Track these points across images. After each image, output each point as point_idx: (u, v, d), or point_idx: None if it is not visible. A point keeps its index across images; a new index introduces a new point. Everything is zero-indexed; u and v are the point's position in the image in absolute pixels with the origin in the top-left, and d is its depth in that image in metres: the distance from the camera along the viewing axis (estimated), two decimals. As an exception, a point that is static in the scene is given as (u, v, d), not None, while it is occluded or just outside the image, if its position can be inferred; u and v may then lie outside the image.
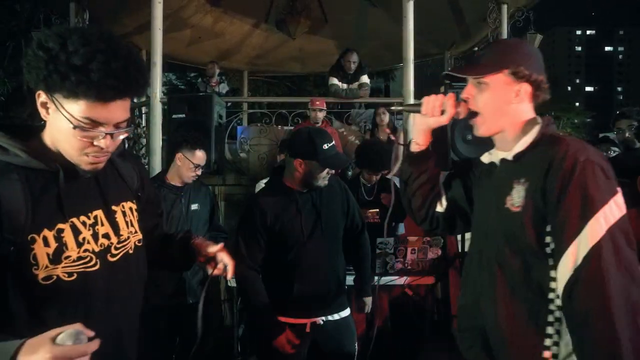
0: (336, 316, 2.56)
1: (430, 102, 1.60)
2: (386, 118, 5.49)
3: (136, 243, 1.43)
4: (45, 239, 1.21)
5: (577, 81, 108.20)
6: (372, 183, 4.10)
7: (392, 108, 1.81)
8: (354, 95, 6.12)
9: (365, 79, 6.20)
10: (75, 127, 1.18)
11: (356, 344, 2.66)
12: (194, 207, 3.31)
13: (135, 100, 7.07)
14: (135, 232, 1.44)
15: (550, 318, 1.35)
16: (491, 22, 7.05)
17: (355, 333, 2.69)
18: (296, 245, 2.43)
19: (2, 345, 1.01)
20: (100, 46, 1.16)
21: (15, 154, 1.21)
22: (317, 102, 5.27)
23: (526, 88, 1.47)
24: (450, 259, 3.90)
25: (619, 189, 1.31)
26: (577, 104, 65.52)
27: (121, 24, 7.75)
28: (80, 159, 1.25)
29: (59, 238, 1.23)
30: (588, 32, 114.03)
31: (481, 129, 1.53)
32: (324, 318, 2.52)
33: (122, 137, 1.29)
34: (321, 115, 5.26)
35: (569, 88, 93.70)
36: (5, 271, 1.17)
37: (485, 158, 1.60)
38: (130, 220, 1.42)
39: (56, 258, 1.22)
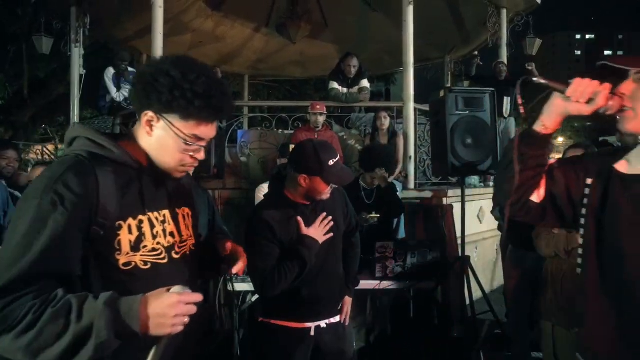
0: (338, 318, 2.59)
1: (582, 85, 1.41)
2: (387, 122, 5.50)
3: (191, 246, 1.55)
4: (129, 227, 1.34)
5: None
6: (372, 187, 4.10)
7: (535, 79, 1.54)
8: (354, 100, 6.14)
9: (365, 83, 6.21)
10: (185, 143, 1.37)
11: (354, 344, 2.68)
12: None
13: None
14: (191, 236, 1.56)
15: None
16: (491, 27, 7.09)
17: (353, 334, 2.70)
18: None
19: (126, 299, 1.20)
20: (211, 76, 1.38)
21: (110, 150, 1.37)
22: (318, 107, 5.28)
23: None
24: (451, 263, 3.90)
25: None
26: (577, 108, 65.46)
27: (122, 28, 7.79)
28: (177, 169, 1.44)
29: (139, 228, 1.36)
30: (587, 36, 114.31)
31: (629, 125, 1.41)
32: (327, 321, 2.54)
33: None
34: (321, 119, 5.27)
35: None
36: (92, 254, 1.29)
37: (624, 168, 1.46)
38: (188, 225, 1.55)
39: (136, 246, 1.35)
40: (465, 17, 7.66)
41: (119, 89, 6.58)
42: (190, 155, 1.40)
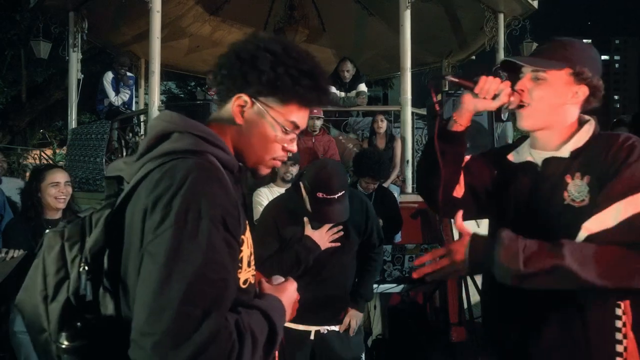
0: (338, 327, 2.56)
1: (487, 83, 1.50)
2: (384, 125, 5.50)
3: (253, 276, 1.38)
4: (246, 242, 1.16)
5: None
6: (370, 191, 4.10)
7: (447, 77, 1.64)
8: (352, 104, 6.15)
9: (362, 87, 6.22)
10: (284, 131, 1.17)
11: (363, 356, 2.64)
12: None
13: (133, 109, 7.10)
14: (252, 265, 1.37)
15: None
16: (488, 31, 7.11)
17: (361, 346, 2.66)
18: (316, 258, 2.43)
19: (269, 300, 1.18)
20: (313, 56, 1.20)
21: (230, 154, 1.16)
22: (315, 111, 5.27)
23: (584, 91, 1.46)
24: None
25: None
26: (575, 112, 65.62)
27: (120, 33, 7.80)
28: (267, 162, 1.22)
29: (248, 242, 1.19)
30: (584, 41, 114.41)
31: (527, 121, 1.50)
32: (328, 327, 2.52)
33: None
34: (319, 123, 5.27)
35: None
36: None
37: (515, 157, 1.57)
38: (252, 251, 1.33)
39: (249, 261, 1.19)
40: (462, 22, 7.69)
41: (117, 93, 6.59)
42: (284, 147, 1.20)
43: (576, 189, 1.40)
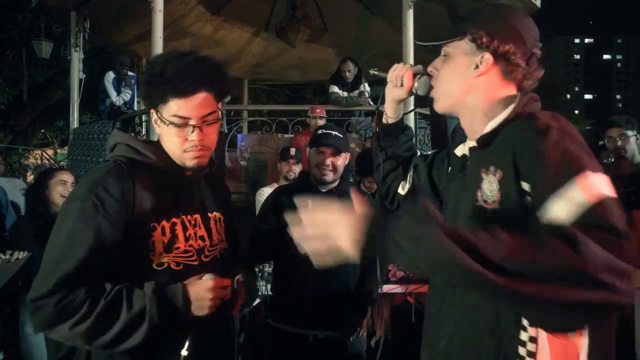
0: (339, 333, 2.49)
1: (396, 70, 1.46)
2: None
3: (221, 250, 1.58)
4: (163, 229, 1.40)
5: (576, 89, 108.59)
6: (373, 191, 4.08)
7: (370, 71, 1.64)
8: (354, 103, 6.14)
9: (365, 87, 6.21)
10: (168, 124, 1.40)
11: None
12: None
13: (135, 109, 7.09)
14: (222, 240, 1.59)
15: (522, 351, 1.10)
16: (490, 30, 7.08)
17: (362, 355, 2.61)
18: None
19: (169, 287, 1.34)
20: (173, 55, 1.40)
21: (147, 155, 1.45)
22: (317, 110, 5.27)
23: (487, 58, 1.20)
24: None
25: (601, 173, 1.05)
26: (577, 111, 65.73)
27: (122, 32, 7.78)
28: (183, 156, 1.45)
29: (172, 230, 1.42)
30: (586, 40, 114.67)
31: (436, 103, 1.33)
32: (327, 333, 2.47)
33: (213, 131, 1.46)
34: (321, 122, 5.26)
35: (568, 96, 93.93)
36: (130, 254, 1.36)
37: (459, 150, 1.36)
38: (219, 229, 1.58)
39: (169, 247, 1.41)
40: (465, 21, 7.66)
41: (119, 93, 6.58)
42: (186, 139, 1.41)
43: (488, 187, 1.16)
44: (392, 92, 1.52)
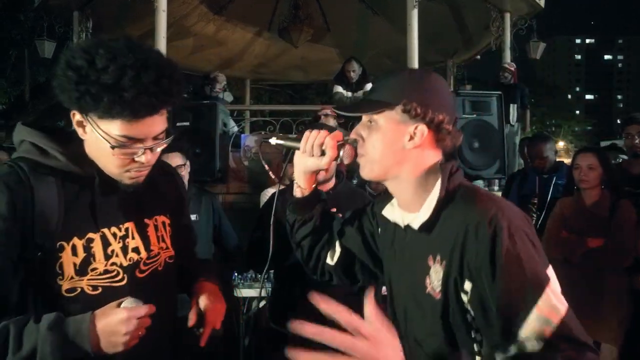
0: None
1: (310, 139, 1.29)
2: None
3: (167, 259, 1.36)
4: (74, 248, 1.17)
5: (577, 89, 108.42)
6: (378, 191, 4.06)
7: (270, 141, 1.40)
8: (358, 104, 6.10)
9: (369, 87, 6.18)
10: (113, 147, 1.14)
11: None
12: (193, 217, 3.22)
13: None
14: (167, 247, 1.37)
15: None
16: (494, 31, 7.06)
17: None
18: None
19: (73, 319, 1.10)
20: (129, 60, 1.10)
21: (55, 157, 1.19)
22: (328, 109, 5.24)
23: (422, 129, 1.16)
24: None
25: (549, 265, 1.06)
26: (578, 112, 65.69)
27: (124, 32, 7.76)
28: (122, 176, 1.22)
29: (87, 248, 1.20)
30: (588, 40, 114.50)
31: (363, 171, 1.23)
32: None
33: (160, 148, 1.23)
34: (333, 122, 5.21)
35: (569, 96, 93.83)
36: (28, 278, 1.13)
37: (388, 212, 1.29)
38: (162, 235, 1.36)
39: (82, 269, 1.18)
40: (468, 21, 7.64)
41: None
42: (133, 160, 1.18)
43: (436, 276, 1.11)
44: (306, 162, 1.32)
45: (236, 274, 3.34)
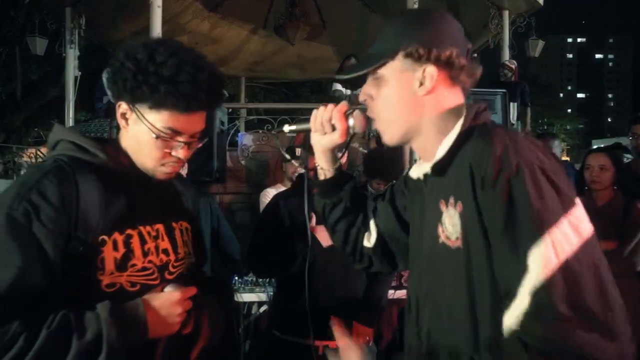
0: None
1: (318, 117, 1.27)
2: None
3: (189, 265, 1.38)
4: (115, 243, 1.19)
5: (569, 88, 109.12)
6: (380, 191, 3.98)
7: (284, 128, 1.40)
8: (358, 101, 6.02)
9: (369, 85, 6.10)
10: (157, 137, 1.20)
11: None
12: None
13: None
14: (190, 253, 1.39)
15: None
16: (493, 28, 7.02)
17: None
18: (310, 255, 2.30)
19: (128, 305, 1.13)
20: (187, 57, 1.18)
21: (95, 154, 1.23)
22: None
23: (431, 71, 1.06)
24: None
25: (577, 200, 0.94)
26: (570, 110, 66.07)
27: (118, 29, 7.64)
28: (157, 170, 1.26)
29: (127, 244, 1.21)
30: (579, 39, 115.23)
31: (384, 135, 1.16)
32: (336, 343, 2.35)
33: (196, 147, 1.29)
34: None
35: (561, 95, 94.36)
36: (70, 272, 1.12)
37: (414, 171, 1.20)
38: (187, 241, 1.38)
39: (123, 264, 1.19)
40: (466, 19, 7.57)
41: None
42: (170, 153, 1.23)
43: (450, 221, 1.02)
44: (322, 141, 1.29)
45: (236, 277, 3.26)
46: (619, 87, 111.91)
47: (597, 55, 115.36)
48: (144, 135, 1.21)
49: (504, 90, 3.97)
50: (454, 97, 1.10)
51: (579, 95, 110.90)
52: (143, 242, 1.24)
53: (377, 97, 1.12)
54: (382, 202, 1.36)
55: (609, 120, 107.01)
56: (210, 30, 8.72)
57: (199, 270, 1.46)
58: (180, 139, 1.22)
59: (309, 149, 1.36)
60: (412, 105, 1.09)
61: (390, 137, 1.15)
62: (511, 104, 6.68)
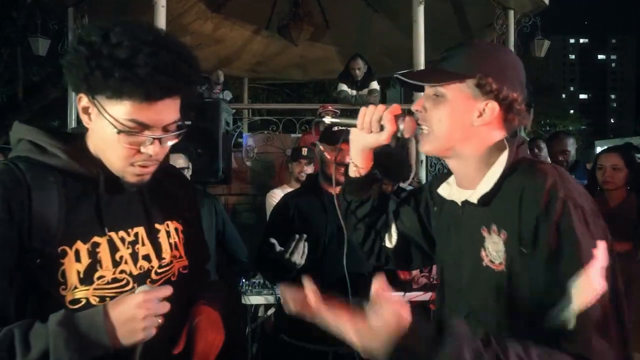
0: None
1: (367, 115, 1.27)
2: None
3: (180, 270, 1.23)
4: (77, 253, 1.05)
5: (572, 89, 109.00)
6: (387, 192, 3.94)
7: (325, 119, 1.40)
8: (364, 102, 5.97)
9: (374, 85, 6.06)
10: (119, 132, 1.04)
11: None
12: None
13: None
14: (180, 257, 1.24)
15: None
16: (498, 28, 6.96)
17: None
18: (316, 253, 2.26)
19: (84, 313, 0.99)
20: (147, 38, 1.02)
21: (55, 155, 1.09)
22: (329, 107, 5.13)
23: (493, 107, 1.11)
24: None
25: (606, 240, 1.02)
26: (572, 111, 65.90)
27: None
28: (126, 170, 1.10)
29: (93, 253, 1.08)
30: (581, 40, 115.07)
31: (426, 145, 1.20)
32: (348, 349, 2.30)
33: (171, 142, 1.12)
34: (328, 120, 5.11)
35: (563, 96, 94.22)
36: (28, 288, 1.01)
37: (444, 190, 1.27)
38: (175, 243, 1.24)
39: (88, 278, 1.06)
40: (471, 19, 7.54)
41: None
42: (139, 151, 1.07)
43: (494, 247, 1.09)
44: (365, 139, 1.30)
45: (243, 280, 3.21)
46: (622, 88, 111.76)
47: (600, 56, 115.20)
48: (107, 130, 1.05)
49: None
50: (499, 135, 1.15)
51: (582, 96, 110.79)
52: (114, 250, 1.11)
53: (433, 112, 1.16)
54: (405, 207, 1.41)
55: (612, 121, 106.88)
56: (213, 31, 8.69)
57: (197, 273, 1.32)
58: (149, 133, 1.06)
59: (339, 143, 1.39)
60: (465, 131, 1.14)
61: (431, 148, 1.20)
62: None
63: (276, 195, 3.67)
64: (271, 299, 3.06)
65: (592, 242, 0.98)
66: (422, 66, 5.60)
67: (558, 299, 0.96)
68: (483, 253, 1.11)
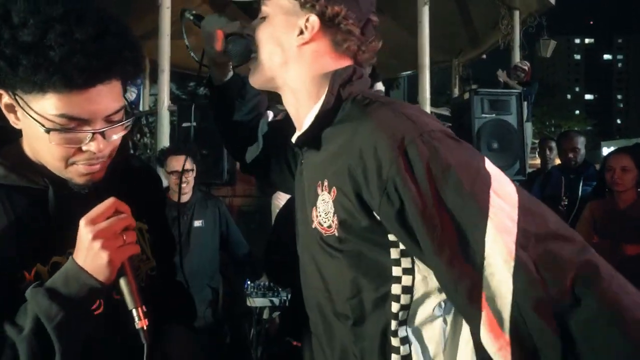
0: None
1: (209, 24, 1.19)
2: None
3: (148, 272, 1.10)
4: (38, 277, 0.91)
5: (577, 89, 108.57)
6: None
7: (187, 14, 1.31)
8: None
9: (379, 85, 6.01)
10: (49, 131, 0.86)
11: None
12: (198, 224, 3.08)
13: (140, 109, 6.91)
14: (147, 258, 1.10)
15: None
16: (503, 28, 6.93)
17: None
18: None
19: (53, 276, 0.88)
20: (56, 11, 0.83)
21: None
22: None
23: (314, 22, 0.95)
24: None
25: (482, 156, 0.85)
26: (577, 112, 65.72)
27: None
28: (68, 171, 0.93)
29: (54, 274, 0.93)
30: (587, 40, 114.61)
31: (252, 76, 1.06)
32: None
33: (117, 135, 0.94)
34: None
35: (569, 96, 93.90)
36: None
37: (294, 137, 1.06)
38: (141, 245, 1.05)
39: None
40: (476, 19, 7.51)
41: (125, 92, 6.40)
42: (80, 148, 0.90)
43: (324, 207, 0.92)
44: (210, 51, 1.16)
45: (249, 282, 3.19)
46: (628, 88, 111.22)
47: (606, 56, 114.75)
48: (36, 129, 0.87)
49: (519, 91, 3.93)
50: (333, 63, 0.98)
51: (587, 97, 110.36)
52: None
53: (257, 34, 1.02)
54: (273, 130, 1.24)
55: (618, 121, 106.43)
56: (217, 32, 8.69)
57: (166, 274, 1.19)
58: (88, 127, 0.89)
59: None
60: (284, 54, 0.98)
61: (253, 80, 1.06)
62: (524, 103, 6.63)
63: (282, 197, 3.64)
64: (276, 302, 3.05)
65: (477, 162, 0.81)
66: (427, 67, 5.58)
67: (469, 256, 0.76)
68: (314, 212, 0.94)
